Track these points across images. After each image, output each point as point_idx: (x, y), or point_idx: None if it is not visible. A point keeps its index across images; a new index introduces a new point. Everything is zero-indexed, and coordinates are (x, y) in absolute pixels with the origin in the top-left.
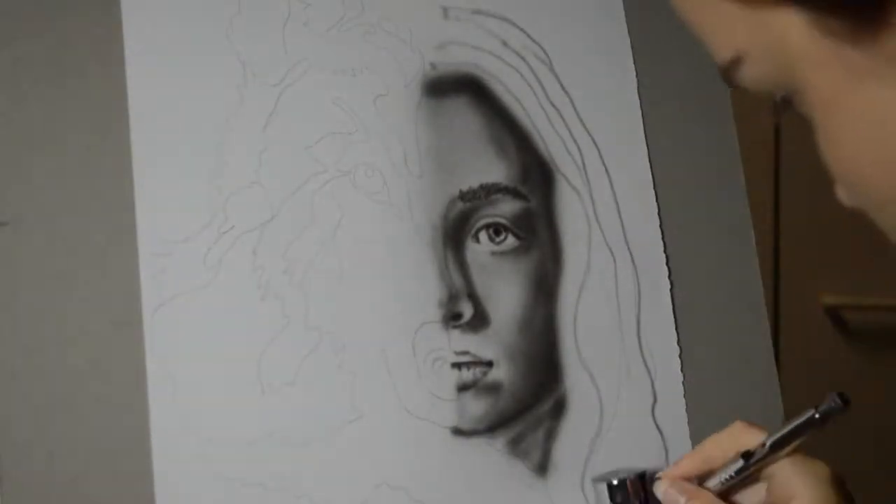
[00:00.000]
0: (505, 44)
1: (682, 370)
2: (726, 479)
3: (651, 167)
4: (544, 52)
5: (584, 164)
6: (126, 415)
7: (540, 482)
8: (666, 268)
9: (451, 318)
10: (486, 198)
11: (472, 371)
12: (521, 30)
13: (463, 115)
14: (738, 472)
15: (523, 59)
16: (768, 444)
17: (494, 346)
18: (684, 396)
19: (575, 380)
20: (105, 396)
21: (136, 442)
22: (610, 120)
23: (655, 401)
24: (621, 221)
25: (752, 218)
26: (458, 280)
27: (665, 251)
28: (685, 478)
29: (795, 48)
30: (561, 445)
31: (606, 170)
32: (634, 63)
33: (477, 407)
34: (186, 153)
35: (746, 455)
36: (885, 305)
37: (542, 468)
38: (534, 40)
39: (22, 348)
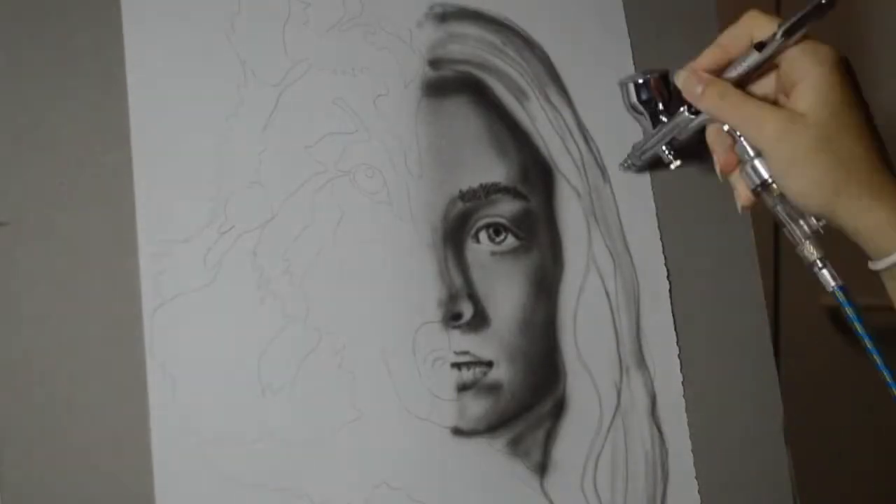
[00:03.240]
0: (505, 44)
1: (681, 370)
2: (742, 70)
3: (651, 167)
4: (544, 52)
5: (584, 164)
6: (126, 415)
7: (540, 482)
8: (666, 268)
9: (451, 318)
10: (486, 198)
11: (472, 371)
12: (521, 30)
13: (463, 116)
14: (753, 61)
15: (523, 59)
16: (780, 32)
17: (494, 346)
18: (684, 396)
19: (575, 380)
20: (105, 396)
21: (136, 442)
22: (610, 120)
23: (655, 401)
24: (621, 221)
25: (752, 218)
26: (458, 280)
27: (665, 251)
28: (704, 70)
29: None
30: (561, 445)
31: (606, 170)
32: (634, 63)
33: (477, 407)
34: (186, 153)
35: (759, 46)
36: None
37: (542, 468)
38: (534, 40)
39: (22, 348)
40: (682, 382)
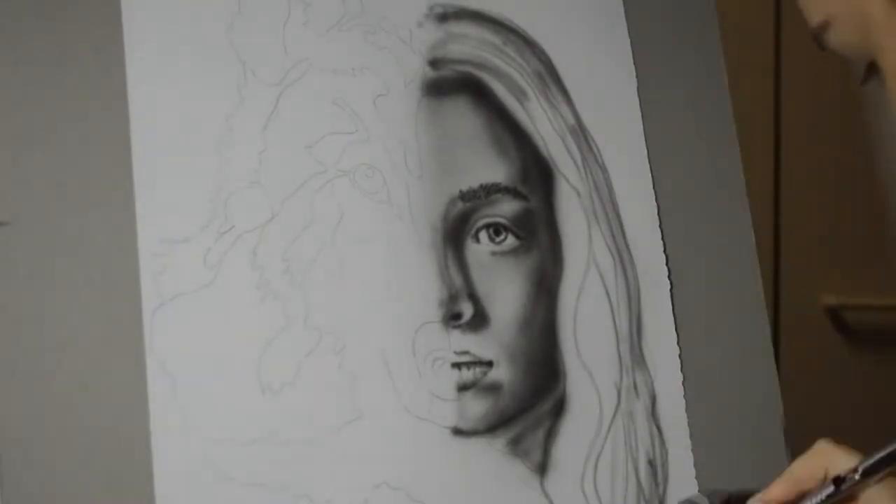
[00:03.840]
0: (505, 44)
1: (682, 370)
2: (819, 499)
3: (651, 167)
4: (544, 52)
5: (584, 164)
6: (126, 415)
7: (540, 482)
8: (666, 268)
9: (451, 318)
10: (486, 198)
11: (472, 371)
12: (521, 30)
13: (463, 116)
14: (830, 496)
15: (523, 59)
16: (861, 469)
17: (494, 346)
18: (684, 396)
19: (575, 380)
20: (105, 396)
21: (136, 442)
22: (610, 120)
23: (655, 401)
24: (621, 221)
25: (752, 218)
26: (458, 280)
27: (665, 251)
28: (776, 502)
29: (875, 18)
30: (561, 445)
31: (606, 169)
32: (634, 63)
33: (477, 407)
34: (186, 153)
35: (838, 481)
36: (885, 305)
37: (542, 468)
38: (534, 40)
39: (22, 348)
40: (682, 382)
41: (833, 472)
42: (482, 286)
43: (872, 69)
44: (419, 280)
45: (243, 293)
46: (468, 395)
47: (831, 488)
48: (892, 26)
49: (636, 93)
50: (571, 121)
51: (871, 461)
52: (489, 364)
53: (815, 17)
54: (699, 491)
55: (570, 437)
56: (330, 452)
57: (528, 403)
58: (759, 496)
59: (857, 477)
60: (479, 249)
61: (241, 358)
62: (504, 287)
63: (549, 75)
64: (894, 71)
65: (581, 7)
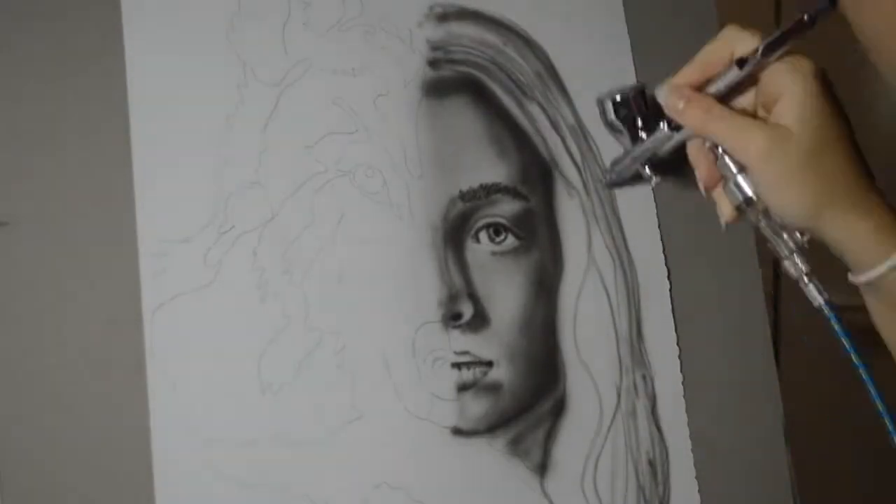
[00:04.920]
0: (505, 44)
1: (681, 370)
2: (722, 86)
3: (651, 167)
4: (544, 52)
5: (583, 163)
6: (126, 415)
7: (540, 482)
8: (666, 268)
9: (451, 318)
10: (486, 198)
11: (472, 371)
12: (521, 30)
13: (463, 116)
14: (733, 78)
15: (523, 59)
16: (760, 48)
17: (494, 346)
18: (684, 396)
19: (575, 380)
20: (105, 396)
21: (136, 442)
22: None
23: (655, 401)
24: (621, 221)
25: None
26: (458, 280)
27: (665, 251)
28: (685, 85)
29: None
30: (561, 445)
31: (606, 169)
32: (634, 63)
33: (477, 407)
34: (186, 153)
35: (740, 62)
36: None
37: (542, 468)
38: (534, 40)
39: (21, 348)
40: (682, 382)
41: (738, 55)
42: (482, 286)
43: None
44: (419, 280)
45: (243, 293)
46: (468, 395)
47: (735, 70)
48: None
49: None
50: (571, 121)
51: (770, 39)
52: (489, 364)
53: None
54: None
55: (570, 437)
56: (330, 452)
57: (528, 403)
58: (669, 80)
59: (758, 56)
60: (479, 249)
61: (241, 358)
62: (504, 287)
63: (549, 75)
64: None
65: (581, 7)
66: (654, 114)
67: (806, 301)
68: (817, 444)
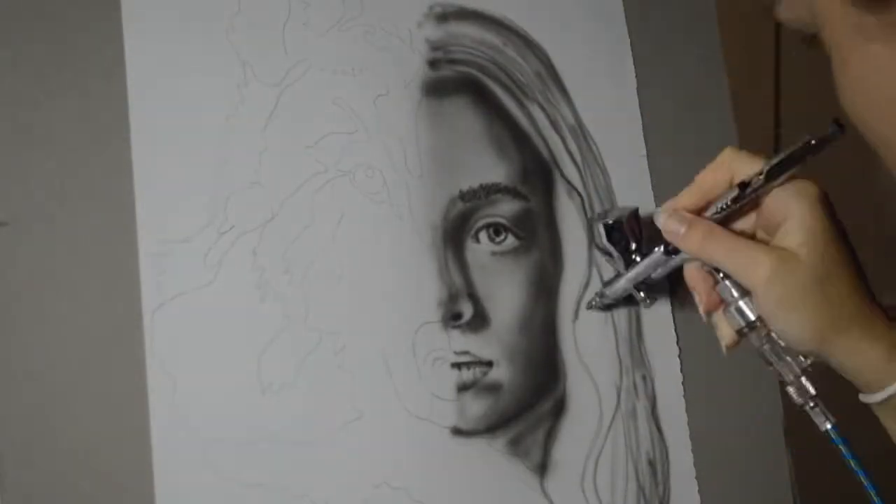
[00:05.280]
0: (505, 44)
1: (681, 370)
2: (723, 209)
3: (651, 167)
4: (544, 52)
5: (583, 164)
6: (126, 415)
7: (540, 482)
8: None
9: (451, 318)
10: (486, 198)
11: (472, 371)
12: (521, 30)
13: (463, 116)
14: (735, 200)
15: (523, 59)
16: (764, 172)
17: (494, 346)
18: (684, 396)
19: (575, 380)
20: (105, 396)
21: (136, 442)
22: (610, 120)
23: (655, 401)
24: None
25: None
26: (458, 280)
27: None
28: (684, 209)
29: (818, 4)
30: (561, 445)
31: (606, 169)
32: (634, 63)
33: (477, 407)
34: (186, 153)
35: (743, 185)
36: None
37: (542, 468)
38: (534, 40)
39: (22, 348)
40: (682, 382)
41: (738, 179)
42: (482, 286)
43: (814, 39)
44: (419, 280)
45: (243, 293)
46: (468, 395)
47: (736, 192)
48: (837, 14)
49: (636, 93)
50: (571, 121)
51: (774, 162)
52: (489, 364)
53: None
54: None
55: (570, 437)
56: (330, 452)
57: (528, 403)
58: (667, 205)
59: (761, 179)
60: (479, 249)
61: (241, 358)
62: (504, 287)
63: (549, 75)
64: (840, 55)
65: (581, 7)
66: (648, 236)
67: None
68: (817, 444)
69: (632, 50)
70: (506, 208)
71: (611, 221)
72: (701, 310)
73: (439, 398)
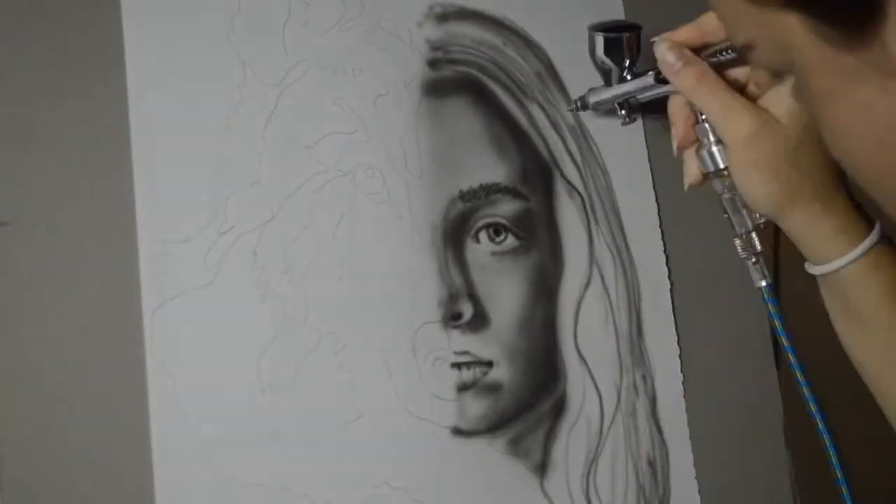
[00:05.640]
0: (505, 44)
1: (682, 370)
2: (720, 54)
3: (651, 167)
4: (544, 52)
5: (584, 164)
6: (126, 415)
7: (540, 482)
8: (666, 268)
9: (451, 318)
10: (486, 198)
11: (472, 371)
12: (521, 30)
13: (463, 116)
14: (734, 50)
15: (523, 59)
16: None
17: (494, 346)
18: (684, 396)
19: (575, 380)
20: (105, 396)
21: (136, 442)
22: (610, 120)
23: (655, 401)
24: (621, 221)
25: None
26: (458, 280)
27: (665, 251)
28: (683, 44)
29: (796, 47)
30: (561, 445)
31: (607, 169)
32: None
33: (477, 407)
34: (186, 153)
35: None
36: None
37: (542, 468)
38: (534, 40)
39: (21, 348)
40: (682, 382)
41: None
42: (482, 286)
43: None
44: (419, 280)
45: (243, 293)
46: (468, 395)
47: (735, 55)
48: (814, 57)
49: None
50: (571, 121)
51: None
52: (489, 364)
53: (738, 38)
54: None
55: (570, 437)
56: (330, 452)
57: (528, 403)
58: (665, 35)
59: None
60: (479, 249)
61: (241, 358)
62: (504, 287)
63: (549, 75)
64: (820, 100)
65: (581, 7)
66: (643, 58)
67: (806, 303)
68: (817, 444)
69: None
70: (506, 208)
71: (612, 35)
72: (674, 143)
73: (439, 398)
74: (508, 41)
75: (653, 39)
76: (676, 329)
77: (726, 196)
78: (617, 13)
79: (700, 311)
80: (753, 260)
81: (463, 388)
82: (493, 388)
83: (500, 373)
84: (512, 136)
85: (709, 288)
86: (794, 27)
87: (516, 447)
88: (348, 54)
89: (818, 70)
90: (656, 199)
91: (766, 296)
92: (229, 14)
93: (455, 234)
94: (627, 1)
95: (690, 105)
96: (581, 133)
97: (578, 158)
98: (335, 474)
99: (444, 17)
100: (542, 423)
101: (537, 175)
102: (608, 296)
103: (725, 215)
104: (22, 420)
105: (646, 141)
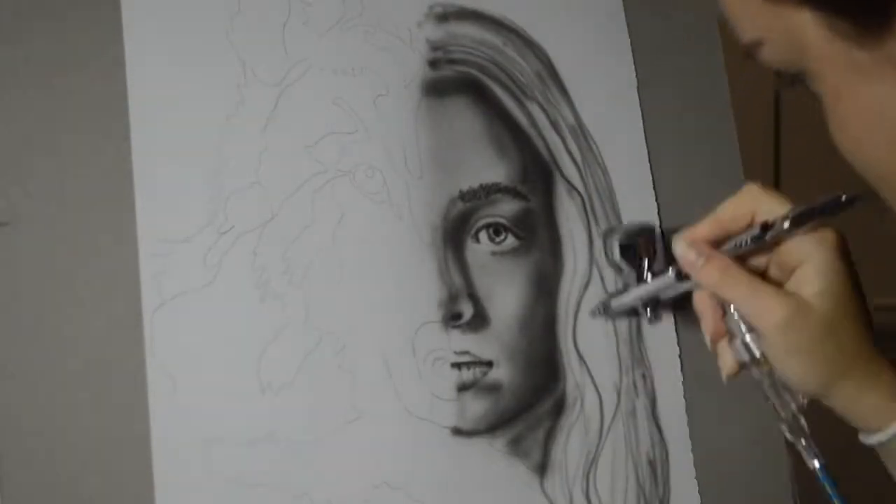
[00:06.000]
0: (505, 44)
1: (682, 370)
2: (741, 246)
3: (651, 167)
4: (544, 52)
5: (584, 164)
6: (126, 415)
7: (540, 482)
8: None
9: (451, 318)
10: (486, 198)
11: (472, 371)
12: (521, 30)
13: (463, 116)
14: (755, 240)
15: (523, 59)
16: (790, 219)
17: (494, 346)
18: (684, 396)
19: (575, 380)
20: (105, 396)
21: (136, 442)
22: (610, 120)
23: (655, 401)
24: (622, 221)
25: None
26: (458, 280)
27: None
28: (702, 240)
29: (808, 42)
30: (561, 445)
31: (607, 169)
32: (634, 63)
33: (477, 407)
34: (186, 153)
35: (765, 227)
36: (885, 305)
37: (542, 468)
38: (534, 40)
39: (22, 348)
40: (682, 383)
41: (760, 218)
42: (482, 286)
43: (800, 78)
44: (419, 280)
45: (243, 293)
46: (468, 395)
47: (758, 231)
48: (827, 52)
49: (636, 93)
50: (571, 121)
51: (801, 210)
52: (489, 364)
53: (747, 34)
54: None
55: (569, 437)
56: (330, 452)
57: (528, 403)
58: (686, 234)
59: (786, 225)
60: (479, 249)
61: (241, 358)
62: (504, 287)
63: (549, 75)
64: (832, 95)
65: (581, 7)
66: (661, 256)
67: None
68: (817, 444)
69: (632, 50)
70: (506, 208)
71: (626, 240)
72: (707, 337)
73: (439, 398)
74: (508, 41)
75: (675, 236)
76: (676, 329)
77: (766, 383)
78: (617, 12)
79: None
80: (804, 442)
81: (463, 388)
82: (493, 388)
83: (500, 373)
84: (512, 136)
85: None
86: (807, 22)
87: (516, 447)
88: (348, 54)
89: (831, 66)
90: (656, 199)
91: (820, 476)
92: (229, 14)
93: (455, 234)
94: (627, 2)
95: (716, 297)
96: (581, 133)
97: (578, 158)
98: (335, 474)
99: (444, 17)
100: (542, 423)
101: (537, 175)
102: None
103: (768, 401)
104: (22, 420)
105: (646, 141)
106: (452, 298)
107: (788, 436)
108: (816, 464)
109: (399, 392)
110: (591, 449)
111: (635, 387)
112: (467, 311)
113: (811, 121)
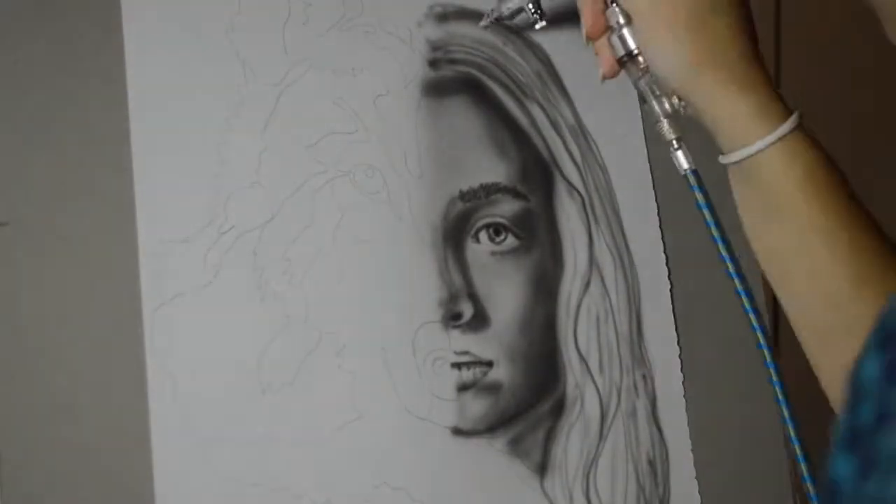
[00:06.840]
0: (505, 44)
1: (682, 370)
2: None
3: (651, 167)
4: (544, 52)
5: (583, 163)
6: (126, 415)
7: (540, 482)
8: (666, 268)
9: (451, 318)
10: (486, 198)
11: (472, 371)
12: (521, 30)
13: (463, 116)
14: None
15: (523, 59)
16: None
17: (494, 346)
18: (684, 396)
19: (575, 380)
20: (105, 396)
21: (136, 442)
22: (610, 120)
23: (655, 401)
24: (621, 221)
25: None
26: (458, 280)
27: (665, 251)
28: None
29: None
30: (561, 445)
31: (606, 170)
32: None
33: (477, 407)
34: (186, 153)
35: None
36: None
37: (542, 468)
38: (534, 40)
39: (22, 348)
40: (682, 382)
41: None
42: (482, 286)
43: None
44: (419, 280)
45: (243, 293)
46: (468, 395)
47: None
48: None
49: (636, 92)
50: (571, 121)
51: None
52: (489, 364)
53: None
54: None
55: (570, 437)
56: (330, 452)
57: (528, 403)
58: None
59: None
60: (479, 249)
61: (241, 358)
62: (504, 287)
63: (549, 75)
64: None
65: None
66: None
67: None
68: (817, 444)
69: None
70: (506, 208)
71: None
72: (584, 33)
73: (439, 398)
74: (508, 41)
75: None
76: (676, 329)
77: (641, 81)
78: None
79: (700, 311)
80: (675, 145)
81: (463, 388)
82: (494, 388)
83: (501, 373)
84: (512, 136)
85: (709, 288)
86: None
87: (516, 447)
88: (348, 54)
89: None
90: (656, 199)
91: (691, 182)
92: (229, 14)
93: (455, 234)
94: None
95: None
96: (581, 133)
97: (578, 158)
98: (335, 474)
99: (444, 16)
100: (542, 423)
101: (537, 175)
102: (608, 296)
103: (644, 105)
104: (22, 420)
105: (646, 141)
106: (452, 298)
107: (664, 135)
108: (686, 166)
109: (399, 392)
110: (591, 449)
111: (635, 387)
112: (467, 311)
113: (810, 120)
